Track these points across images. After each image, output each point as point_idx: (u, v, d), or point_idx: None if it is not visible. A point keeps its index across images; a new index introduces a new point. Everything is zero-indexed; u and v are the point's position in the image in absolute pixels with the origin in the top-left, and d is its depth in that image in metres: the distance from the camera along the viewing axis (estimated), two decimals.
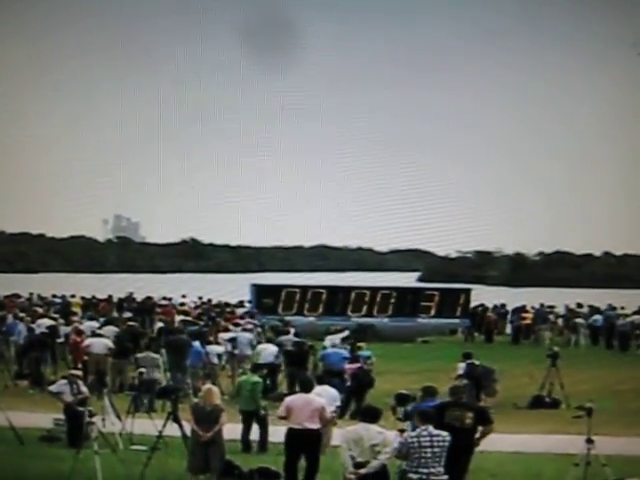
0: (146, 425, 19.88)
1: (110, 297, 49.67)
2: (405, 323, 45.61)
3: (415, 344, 44.62)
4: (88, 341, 28.94)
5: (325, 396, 17.60)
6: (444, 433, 13.29)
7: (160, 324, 36.41)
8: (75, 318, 35.62)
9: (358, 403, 23.94)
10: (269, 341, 30.24)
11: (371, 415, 13.85)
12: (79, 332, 30.41)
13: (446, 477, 13.20)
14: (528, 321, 47.88)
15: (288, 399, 16.50)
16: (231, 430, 17.46)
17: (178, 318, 38.40)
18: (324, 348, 28.74)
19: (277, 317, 40.16)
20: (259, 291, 46.00)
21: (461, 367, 25.88)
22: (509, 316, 50.13)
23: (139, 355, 26.18)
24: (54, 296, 50.26)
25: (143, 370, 23.30)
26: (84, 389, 20.04)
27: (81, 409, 18.18)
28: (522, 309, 49.35)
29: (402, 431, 14.52)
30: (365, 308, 45.86)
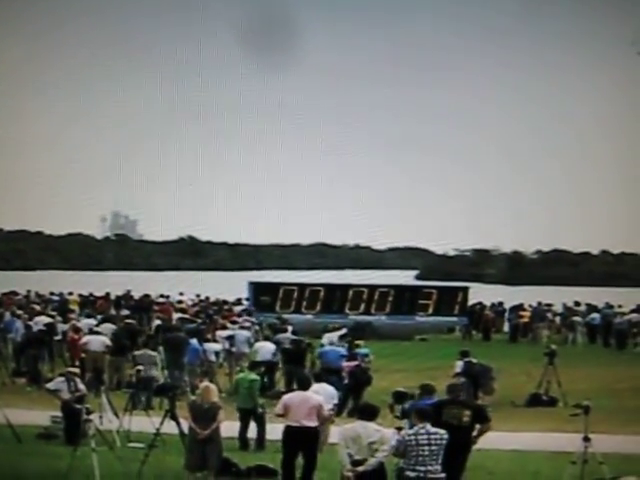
0: (143, 422, 19.89)
1: (108, 295, 49.67)
2: (403, 321, 45.63)
3: (413, 342, 44.66)
4: (85, 339, 28.94)
5: (323, 394, 17.60)
6: (441, 431, 13.29)
7: (158, 322, 36.41)
8: (72, 316, 35.64)
9: (356, 401, 23.96)
10: (267, 339, 30.26)
11: (369, 413, 13.85)
12: (77, 330, 30.41)
13: (443, 475, 13.18)
14: (526, 319, 47.90)
15: (286, 397, 16.49)
16: (229, 428, 17.46)
17: (176, 316, 38.42)
18: (321, 346, 28.76)
19: (275, 315, 40.16)
20: (257, 289, 46.05)
21: (459, 365, 25.89)
22: (507, 314, 50.13)
23: (137, 353, 26.17)
24: (52, 293, 50.25)
25: (141, 368, 23.28)
26: (81, 387, 20.03)
27: (78, 406, 18.17)
28: (520, 307, 49.36)
29: (400, 429, 14.54)
30: (363, 306, 45.89)
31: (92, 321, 33.00)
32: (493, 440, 16.80)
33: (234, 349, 30.53)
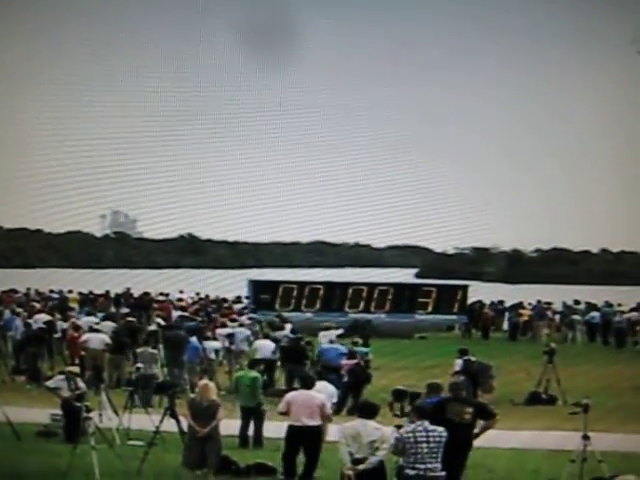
0: (143, 420, 19.89)
1: (107, 292, 49.61)
2: (402, 319, 45.60)
3: (412, 340, 44.59)
4: (85, 336, 28.93)
5: (324, 392, 17.59)
6: (440, 428, 13.19)
7: (158, 320, 36.39)
8: (72, 313, 35.63)
9: (355, 399, 23.93)
10: (266, 337, 30.25)
11: (369, 411, 13.84)
12: (76, 327, 30.41)
13: (443, 473, 13.07)
14: (525, 318, 47.87)
15: (289, 395, 16.48)
16: (228, 426, 17.45)
17: (175, 314, 38.41)
18: (318, 344, 28.76)
19: (274, 313, 40.12)
20: (256, 287, 45.98)
21: (458, 363, 25.86)
22: (506, 313, 50.11)
23: (138, 350, 26.19)
24: (51, 291, 50.19)
25: (140, 365, 23.30)
26: (81, 384, 20.01)
27: (78, 404, 18.16)
28: (519, 306, 49.33)
29: (399, 427, 14.54)
30: (362, 304, 45.84)
31: (92, 319, 33.00)
32: (492, 438, 16.80)
33: (234, 347, 30.52)
